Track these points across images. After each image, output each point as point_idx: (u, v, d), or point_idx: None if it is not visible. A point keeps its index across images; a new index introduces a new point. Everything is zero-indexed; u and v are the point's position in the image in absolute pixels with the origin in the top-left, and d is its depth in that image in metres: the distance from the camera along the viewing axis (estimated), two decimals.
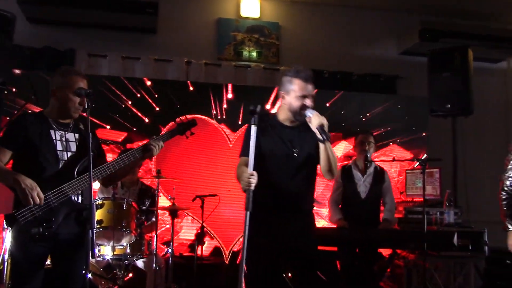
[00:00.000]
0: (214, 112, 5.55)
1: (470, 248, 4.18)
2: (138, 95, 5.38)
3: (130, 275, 4.14)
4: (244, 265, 2.48)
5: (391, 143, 5.90)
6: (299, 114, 2.84)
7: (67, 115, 2.81)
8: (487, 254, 4.51)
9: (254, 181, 2.54)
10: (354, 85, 6.09)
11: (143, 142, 2.88)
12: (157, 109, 5.41)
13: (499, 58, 6.46)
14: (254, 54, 6.04)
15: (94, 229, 2.41)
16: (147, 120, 5.38)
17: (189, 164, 5.39)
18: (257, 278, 2.81)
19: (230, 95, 5.58)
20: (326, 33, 6.24)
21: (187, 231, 5.32)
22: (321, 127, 2.71)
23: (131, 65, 5.68)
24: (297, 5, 6.20)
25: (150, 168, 5.32)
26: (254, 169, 2.63)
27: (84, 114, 2.63)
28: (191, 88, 5.52)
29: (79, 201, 2.76)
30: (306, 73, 2.85)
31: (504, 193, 3.32)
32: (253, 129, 2.56)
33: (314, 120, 2.73)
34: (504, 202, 3.32)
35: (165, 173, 4.50)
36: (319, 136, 2.73)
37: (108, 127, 5.27)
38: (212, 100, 5.55)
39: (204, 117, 5.51)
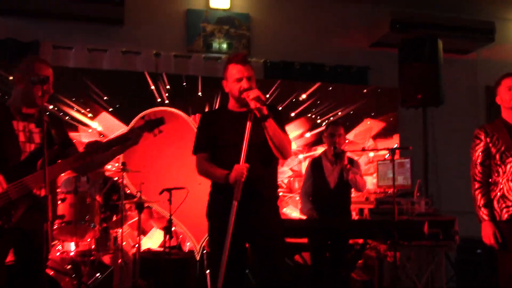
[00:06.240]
0: (184, 104, 5.45)
1: (441, 237, 4.15)
2: (106, 88, 5.26)
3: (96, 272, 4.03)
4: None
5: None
6: (240, 98, 2.80)
7: (32, 103, 2.69)
8: (458, 243, 4.52)
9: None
10: (325, 76, 6.05)
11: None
12: (124, 102, 5.30)
13: (469, 49, 6.48)
14: (225, 45, 5.94)
15: (47, 222, 2.29)
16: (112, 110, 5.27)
17: (158, 158, 5.28)
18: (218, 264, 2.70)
19: (200, 88, 5.49)
20: (297, 24, 6.17)
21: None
22: (258, 108, 2.66)
23: (98, 57, 5.53)
24: None
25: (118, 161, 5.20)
26: (212, 159, 2.79)
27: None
28: (161, 81, 5.43)
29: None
30: (238, 56, 2.84)
31: (475, 182, 3.28)
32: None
33: (250, 103, 2.68)
34: (477, 191, 3.26)
35: (132, 167, 4.37)
36: (257, 116, 2.68)
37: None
38: (182, 93, 5.45)
39: (173, 110, 5.40)
